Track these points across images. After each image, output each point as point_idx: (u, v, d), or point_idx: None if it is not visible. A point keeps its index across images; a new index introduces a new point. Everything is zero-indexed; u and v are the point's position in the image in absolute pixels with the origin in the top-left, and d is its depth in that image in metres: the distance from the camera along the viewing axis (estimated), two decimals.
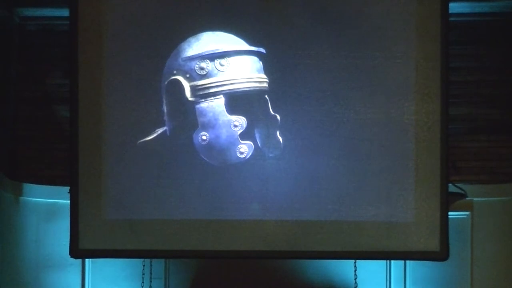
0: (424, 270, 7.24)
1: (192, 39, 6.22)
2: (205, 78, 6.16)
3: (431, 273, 7.25)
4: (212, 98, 6.15)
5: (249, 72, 6.20)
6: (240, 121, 6.17)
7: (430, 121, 6.21)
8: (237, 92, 6.17)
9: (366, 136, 6.26)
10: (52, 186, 7.37)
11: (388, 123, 6.25)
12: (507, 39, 7.44)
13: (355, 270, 7.01)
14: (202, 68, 6.15)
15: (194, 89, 6.16)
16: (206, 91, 6.15)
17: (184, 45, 6.21)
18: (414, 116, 6.22)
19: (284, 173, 6.28)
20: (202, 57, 6.15)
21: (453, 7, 6.72)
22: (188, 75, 6.16)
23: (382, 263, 7.26)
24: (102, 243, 6.37)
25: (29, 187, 7.38)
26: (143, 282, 7.12)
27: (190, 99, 6.17)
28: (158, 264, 7.25)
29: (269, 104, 6.24)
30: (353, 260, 6.94)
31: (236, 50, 6.19)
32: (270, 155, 6.28)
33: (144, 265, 7.08)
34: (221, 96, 6.15)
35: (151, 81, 6.27)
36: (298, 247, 6.32)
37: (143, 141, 6.30)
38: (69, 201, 6.41)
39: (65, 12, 6.77)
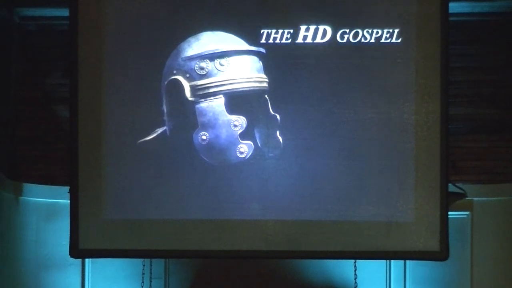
0: (424, 270, 7.24)
1: (192, 39, 6.22)
2: (205, 78, 6.16)
3: (431, 273, 7.25)
4: (212, 98, 6.15)
5: (249, 72, 6.20)
6: (240, 121, 6.17)
7: (430, 121, 6.21)
8: (237, 92, 6.17)
9: (366, 136, 6.26)
10: (52, 186, 7.37)
11: (388, 123, 6.25)
12: (507, 39, 7.44)
13: (355, 270, 7.01)
14: (202, 68, 6.15)
15: (194, 89, 6.16)
16: (206, 91, 6.15)
17: (184, 45, 6.21)
18: (414, 116, 6.22)
19: (284, 173, 6.28)
20: (202, 57, 6.16)
21: (453, 7, 6.72)
22: (188, 75, 6.16)
23: (382, 263, 7.26)
24: (102, 243, 6.37)
25: (29, 187, 7.37)
26: (143, 282, 7.11)
27: (190, 99, 6.17)
28: (158, 264, 7.25)
29: (269, 104, 6.24)
30: (353, 260, 6.94)
31: (236, 50, 6.19)
32: (270, 155, 6.28)
33: (144, 265, 7.08)
34: (221, 96, 6.15)
35: (151, 81, 6.27)
36: (298, 247, 6.32)
37: (143, 141, 6.30)
38: (69, 201, 6.41)
39: (65, 12, 6.76)
